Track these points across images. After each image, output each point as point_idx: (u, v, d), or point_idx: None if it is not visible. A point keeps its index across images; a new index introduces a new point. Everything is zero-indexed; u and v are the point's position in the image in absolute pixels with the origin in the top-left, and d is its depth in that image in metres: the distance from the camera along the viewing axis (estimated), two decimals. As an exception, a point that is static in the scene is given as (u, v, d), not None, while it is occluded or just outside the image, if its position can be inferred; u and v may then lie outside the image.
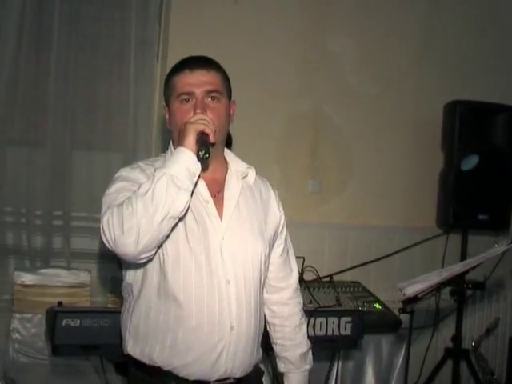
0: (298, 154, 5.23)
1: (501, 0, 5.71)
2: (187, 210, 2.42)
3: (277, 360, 2.91)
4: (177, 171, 2.31)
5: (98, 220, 4.97)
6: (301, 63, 5.20)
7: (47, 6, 4.72)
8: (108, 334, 3.25)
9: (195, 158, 2.36)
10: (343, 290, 4.62)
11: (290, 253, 2.89)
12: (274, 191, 2.85)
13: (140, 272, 2.56)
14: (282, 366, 2.89)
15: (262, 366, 2.84)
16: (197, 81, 2.57)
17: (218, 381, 2.55)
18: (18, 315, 4.46)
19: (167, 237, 2.42)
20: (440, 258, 5.25)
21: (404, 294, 3.60)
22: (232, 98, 2.71)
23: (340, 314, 3.91)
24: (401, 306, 3.88)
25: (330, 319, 3.84)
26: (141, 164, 2.62)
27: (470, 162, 5.11)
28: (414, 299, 3.70)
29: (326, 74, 5.33)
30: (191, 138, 2.37)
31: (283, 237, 2.84)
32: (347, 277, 5.05)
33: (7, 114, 4.72)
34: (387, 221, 5.45)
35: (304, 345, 2.89)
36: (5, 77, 4.65)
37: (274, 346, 2.90)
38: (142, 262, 2.39)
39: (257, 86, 4.95)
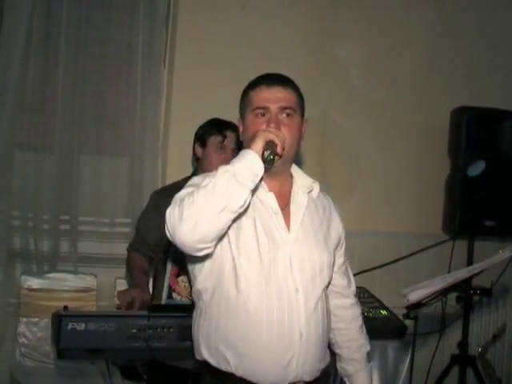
0: (304, 159, 5.22)
1: (509, 7, 5.70)
2: (256, 214, 2.59)
3: (343, 364, 3.01)
4: (240, 169, 2.39)
5: (105, 224, 5.02)
6: (308, 69, 5.20)
7: (55, 11, 4.75)
8: (114, 338, 3.25)
9: (260, 159, 2.44)
10: (349, 295, 4.60)
11: (347, 263, 3.02)
12: (335, 205, 2.97)
13: (211, 280, 2.64)
14: (349, 368, 2.99)
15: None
16: (273, 96, 2.68)
17: None
18: (24, 319, 4.47)
19: (238, 243, 2.57)
20: (447, 265, 5.22)
21: (408, 300, 3.61)
22: (305, 117, 2.81)
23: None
24: (405, 312, 3.87)
25: (335, 325, 3.83)
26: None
27: (477, 168, 5.10)
28: (418, 305, 3.70)
29: (333, 79, 5.33)
30: (260, 144, 2.46)
31: (343, 248, 2.98)
32: (353, 282, 5.05)
33: (15, 119, 4.74)
34: (394, 227, 5.44)
35: (368, 344, 3.04)
36: (13, 81, 4.67)
37: (339, 351, 3.01)
38: (200, 254, 2.45)
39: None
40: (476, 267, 3.75)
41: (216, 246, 2.51)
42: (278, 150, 2.50)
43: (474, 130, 5.20)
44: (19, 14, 4.65)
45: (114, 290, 4.34)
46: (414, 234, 5.47)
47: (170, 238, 2.43)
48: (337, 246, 2.89)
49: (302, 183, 2.82)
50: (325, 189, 5.15)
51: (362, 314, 4.23)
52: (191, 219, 2.34)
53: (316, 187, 2.85)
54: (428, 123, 5.49)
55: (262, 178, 2.53)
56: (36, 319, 4.45)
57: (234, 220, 2.49)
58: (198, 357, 2.70)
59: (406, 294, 3.61)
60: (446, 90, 5.50)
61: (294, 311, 2.61)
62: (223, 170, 2.39)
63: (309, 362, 2.64)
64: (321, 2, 5.29)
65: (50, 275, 4.61)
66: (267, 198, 2.67)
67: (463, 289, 4.82)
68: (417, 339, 4.15)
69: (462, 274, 3.75)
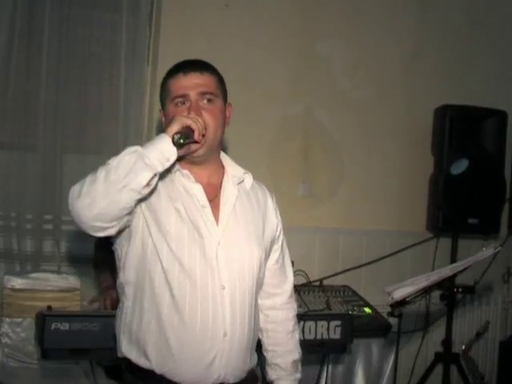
0: (288, 157, 5.23)
1: (494, 5, 5.72)
2: (183, 205, 2.50)
3: (267, 368, 2.89)
4: (149, 151, 2.32)
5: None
6: (292, 67, 5.20)
7: (38, 10, 4.70)
8: (97, 338, 3.25)
9: (171, 143, 2.36)
10: (333, 294, 4.62)
11: (285, 259, 2.90)
12: (272, 197, 2.87)
13: (133, 273, 2.57)
14: (272, 373, 2.87)
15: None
16: (191, 83, 2.60)
17: None
18: (7, 319, 4.41)
19: (162, 235, 2.48)
20: (430, 262, 5.26)
21: (392, 298, 3.61)
22: (228, 101, 2.74)
23: (329, 317, 3.91)
24: (389, 310, 3.88)
25: (320, 323, 3.84)
26: None
27: (460, 166, 5.12)
28: (402, 303, 3.70)
29: (317, 78, 5.32)
30: (175, 128, 2.38)
31: (279, 243, 2.85)
32: (338, 281, 5.05)
33: (-3, 118, 4.71)
34: (378, 225, 5.45)
35: (296, 352, 2.89)
36: (-5, 81, 4.64)
37: (265, 354, 2.89)
38: (99, 234, 2.39)
39: (247, 89, 4.93)
40: (459, 265, 3.76)
41: (127, 234, 2.49)
42: (196, 135, 2.43)
43: (457, 128, 5.23)
44: (1, 13, 4.61)
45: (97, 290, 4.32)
46: (397, 232, 5.48)
47: (71, 215, 2.37)
48: (271, 241, 2.78)
49: (233, 174, 2.72)
50: (308, 186, 5.23)
51: (347, 312, 4.28)
52: (89, 195, 2.29)
53: (248, 178, 2.75)
54: (412, 121, 5.50)
55: (187, 168, 2.53)
56: (19, 319, 4.40)
57: (156, 210, 2.48)
58: (119, 354, 2.63)
59: (390, 291, 3.61)
60: (429, 88, 5.52)
61: (219, 309, 2.52)
62: (131, 150, 2.34)
63: (233, 362, 2.56)
64: (305, 1, 5.28)
65: (33, 275, 4.57)
66: (194, 190, 2.58)
67: (447, 287, 4.85)
68: (401, 337, 4.16)
69: (445, 271, 3.75)
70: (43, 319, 3.22)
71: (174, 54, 4.98)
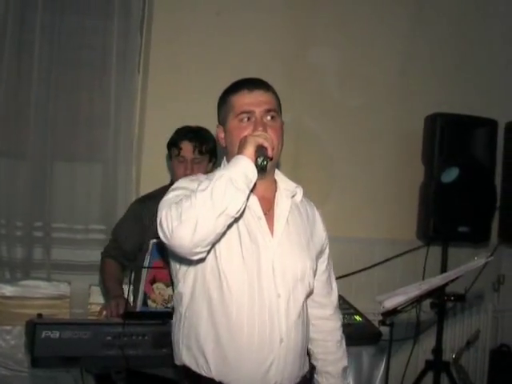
0: (279, 165, 5.22)
1: (484, 14, 5.74)
2: (240, 217, 2.53)
3: (317, 377, 2.97)
4: (234, 174, 2.40)
5: (79, 231, 4.97)
6: (283, 75, 5.19)
7: (29, 17, 4.72)
8: (88, 346, 3.23)
9: (253, 164, 2.45)
10: (324, 301, 4.60)
11: (331, 271, 3.01)
12: (318, 211, 2.96)
13: (193, 283, 2.63)
14: (323, 382, 2.95)
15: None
16: (256, 100, 2.68)
17: None
18: (-3, 327, 4.44)
19: (222, 246, 2.55)
20: (421, 270, 5.25)
21: (383, 307, 3.61)
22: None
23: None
24: (381, 318, 3.88)
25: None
26: (200, 177, 2.67)
27: (451, 175, 5.12)
28: (393, 312, 3.70)
29: (308, 85, 5.34)
30: (251, 149, 2.47)
31: (326, 255, 2.95)
32: (328, 288, 5.04)
33: (-12, 125, 4.69)
34: (368, 233, 5.46)
35: (345, 359, 2.99)
36: (-15, 88, 4.63)
37: (314, 363, 2.96)
38: (195, 257, 2.46)
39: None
40: (451, 274, 3.76)
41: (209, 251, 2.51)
42: (269, 152, 2.50)
43: (447, 136, 5.23)
44: (-8, 19, 4.62)
45: (87, 297, 4.32)
46: (388, 240, 5.48)
47: (166, 241, 2.41)
48: (320, 253, 2.87)
49: (286, 187, 2.80)
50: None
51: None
52: (191, 221, 2.33)
53: (299, 192, 2.82)
54: (402, 129, 5.51)
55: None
56: (9, 327, 4.40)
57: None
58: (177, 362, 2.69)
59: (381, 301, 3.61)
60: (420, 96, 5.53)
61: (275, 316, 2.59)
62: (219, 174, 2.40)
63: (288, 368, 2.63)
64: (296, 9, 5.29)
65: (23, 282, 4.58)
66: (250, 202, 2.63)
67: (437, 295, 4.84)
68: (392, 345, 4.16)
69: (437, 281, 3.75)
70: (33, 327, 3.20)
71: (165, 61, 5.00)
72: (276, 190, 2.79)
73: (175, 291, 2.74)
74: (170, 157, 4.08)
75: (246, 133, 2.60)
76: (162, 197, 2.58)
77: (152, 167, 4.89)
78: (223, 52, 5.05)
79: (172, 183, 3.69)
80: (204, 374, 2.58)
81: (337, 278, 5.07)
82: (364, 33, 5.45)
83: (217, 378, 2.57)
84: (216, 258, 2.57)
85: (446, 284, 3.86)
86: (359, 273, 5.32)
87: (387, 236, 5.49)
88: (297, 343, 2.66)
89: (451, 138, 5.24)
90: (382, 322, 3.86)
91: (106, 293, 4.06)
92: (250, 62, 5.06)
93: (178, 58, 5.00)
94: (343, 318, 4.36)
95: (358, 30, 5.44)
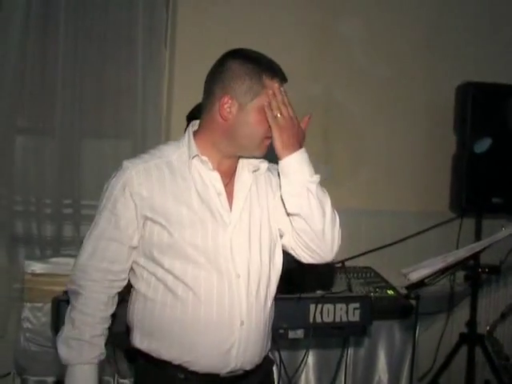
0: (309, 139, 5.10)
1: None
2: (200, 193, 2.50)
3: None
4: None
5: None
6: (310, 46, 5.16)
7: (54, -8, 4.70)
8: (115, 322, 3.23)
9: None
10: (355, 275, 4.57)
11: None
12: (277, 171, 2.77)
13: (144, 263, 2.52)
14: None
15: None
16: None
17: (227, 373, 2.53)
18: (28, 304, 4.45)
19: (177, 224, 2.45)
20: (454, 243, 5.18)
21: (408, 280, 3.55)
22: None
23: (348, 300, 3.84)
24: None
25: (338, 305, 3.78)
26: (148, 163, 2.53)
27: (483, 145, 5.06)
28: (419, 284, 3.64)
29: (336, 58, 5.28)
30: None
31: None
32: (360, 262, 5.00)
33: (15, 103, 4.68)
34: (400, 206, 5.40)
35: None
36: (12, 65, 4.60)
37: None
38: None
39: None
40: (476, 246, 3.70)
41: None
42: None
43: (479, 106, 5.15)
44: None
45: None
46: (421, 213, 5.42)
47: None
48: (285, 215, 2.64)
49: (249, 161, 2.64)
50: (329, 168, 5.17)
51: (369, 293, 4.24)
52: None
53: (263, 166, 2.67)
54: (433, 100, 5.43)
55: (206, 155, 2.52)
56: (40, 304, 4.42)
57: (165, 212, 2.45)
58: (132, 344, 2.60)
59: (406, 273, 3.55)
60: (451, 65, 5.44)
61: (235, 297, 2.49)
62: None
63: (250, 350, 2.54)
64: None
65: (54, 260, 4.58)
66: (211, 177, 2.52)
67: (471, 267, 4.79)
68: (425, 318, 4.12)
69: (462, 253, 3.69)
70: (58, 304, 3.20)
71: (192, 36, 4.97)
72: (238, 163, 2.64)
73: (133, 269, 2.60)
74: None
75: (263, 128, 2.52)
76: None
77: (180, 142, 4.87)
78: (249, 25, 5.00)
79: None
80: (160, 357, 2.50)
81: (369, 252, 5.12)
82: (392, 3, 5.37)
83: (174, 362, 2.49)
84: (171, 235, 2.45)
85: (477, 255, 3.80)
86: (392, 246, 5.27)
87: (420, 208, 5.44)
88: (259, 325, 2.55)
89: (483, 107, 5.15)
90: (407, 296, 3.80)
91: None
92: (276, 34, 5.01)
93: (205, 32, 4.96)
94: (375, 291, 4.38)
95: (386, 1, 5.36)
